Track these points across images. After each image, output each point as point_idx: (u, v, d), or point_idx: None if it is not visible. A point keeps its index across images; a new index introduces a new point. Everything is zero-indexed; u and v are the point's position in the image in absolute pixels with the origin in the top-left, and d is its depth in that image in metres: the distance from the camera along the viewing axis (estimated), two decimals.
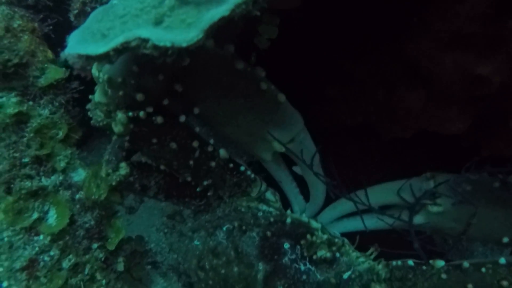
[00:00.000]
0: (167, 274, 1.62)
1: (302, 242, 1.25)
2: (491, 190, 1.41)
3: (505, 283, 1.29)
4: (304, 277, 1.24)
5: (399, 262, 1.46)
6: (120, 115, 1.14)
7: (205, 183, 1.37)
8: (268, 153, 1.45)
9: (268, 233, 1.29)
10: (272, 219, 1.31)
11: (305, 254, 1.24)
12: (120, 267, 1.37)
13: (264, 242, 1.29)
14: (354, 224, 1.62)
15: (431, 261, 1.41)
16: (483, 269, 1.31)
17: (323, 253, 1.22)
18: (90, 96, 1.27)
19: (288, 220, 1.31)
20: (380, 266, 1.30)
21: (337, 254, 1.26)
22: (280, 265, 1.26)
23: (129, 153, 1.30)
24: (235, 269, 1.32)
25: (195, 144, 1.28)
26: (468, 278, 1.32)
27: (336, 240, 1.27)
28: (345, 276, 1.25)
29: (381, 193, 1.51)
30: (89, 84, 1.29)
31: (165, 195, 1.39)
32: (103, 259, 1.33)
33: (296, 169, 1.61)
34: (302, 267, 1.25)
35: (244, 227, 1.32)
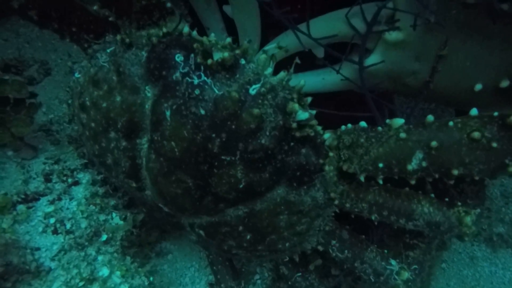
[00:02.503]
0: (61, 143, 1.31)
1: (196, 46, 0.91)
2: (463, 10, 1.07)
3: (476, 134, 0.97)
4: (197, 92, 0.90)
5: (349, 126, 1.15)
6: None
7: None
8: None
9: (157, 42, 0.95)
10: (165, 31, 0.98)
11: (199, 61, 0.91)
12: None
13: (151, 55, 0.96)
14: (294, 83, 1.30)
15: (388, 121, 1.09)
16: (451, 123, 1.00)
17: (219, 55, 0.88)
18: None
19: (185, 30, 0.98)
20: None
21: (242, 61, 0.92)
22: (170, 83, 0.93)
23: None
24: (118, 98, 0.99)
25: None
26: (431, 135, 1.01)
27: (243, 45, 0.93)
28: (253, 90, 0.91)
29: (327, 22, 1.17)
30: None
31: (39, 13, 1.05)
32: None
33: (227, 8, 1.28)
34: (196, 80, 0.91)
35: (128, 41, 0.99)
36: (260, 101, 0.91)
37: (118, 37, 1.01)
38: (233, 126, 0.91)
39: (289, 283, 1.37)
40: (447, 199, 1.19)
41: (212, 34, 1.02)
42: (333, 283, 1.53)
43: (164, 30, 1.01)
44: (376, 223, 1.20)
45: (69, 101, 1.23)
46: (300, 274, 1.36)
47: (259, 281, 1.59)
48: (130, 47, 1.00)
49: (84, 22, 1.12)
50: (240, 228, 1.09)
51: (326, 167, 1.04)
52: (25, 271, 1.14)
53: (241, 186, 0.98)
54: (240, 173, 0.96)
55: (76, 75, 1.08)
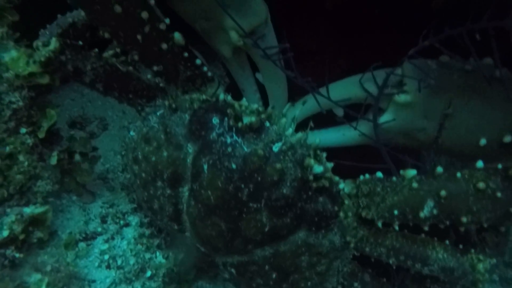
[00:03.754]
0: (115, 189, 1.52)
1: (229, 111, 1.10)
2: (463, 76, 1.22)
3: (481, 185, 1.09)
4: (230, 149, 1.08)
5: (367, 176, 1.29)
6: None
7: (156, 68, 1.23)
8: (227, 46, 1.33)
9: (197, 108, 1.16)
10: (205, 98, 1.19)
11: (231, 123, 1.09)
12: (53, 160, 1.28)
13: (192, 118, 1.16)
14: (318, 138, 1.46)
15: (401, 171, 1.22)
16: (458, 174, 1.12)
17: (248, 119, 1.06)
18: None
19: (221, 97, 1.18)
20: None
21: (267, 123, 1.10)
22: (207, 142, 1.12)
23: (65, 32, 1.24)
24: (165, 153, 1.19)
25: (144, 15, 1.10)
26: (441, 185, 1.13)
27: (268, 110, 1.12)
28: (275, 148, 1.08)
29: (343, 87, 1.34)
30: None
31: (104, 85, 1.29)
32: (30, 145, 1.24)
33: (259, 76, 1.49)
34: (229, 140, 1.09)
35: (174, 106, 1.20)
36: (281, 157, 1.08)
37: (166, 102, 1.23)
38: (259, 178, 1.08)
39: None
40: (461, 246, 1.28)
41: (244, 99, 1.22)
42: None
43: (204, 97, 1.22)
44: (394, 267, 1.30)
45: (123, 153, 1.44)
46: None
47: None
48: (175, 111, 1.21)
49: (138, 89, 1.36)
50: (267, 267, 1.24)
51: (341, 214, 1.18)
52: None
53: (266, 229, 1.14)
54: (265, 218, 1.12)
55: (131, 133, 1.30)
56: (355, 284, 1.35)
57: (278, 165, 1.07)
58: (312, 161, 1.07)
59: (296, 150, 1.10)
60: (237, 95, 1.40)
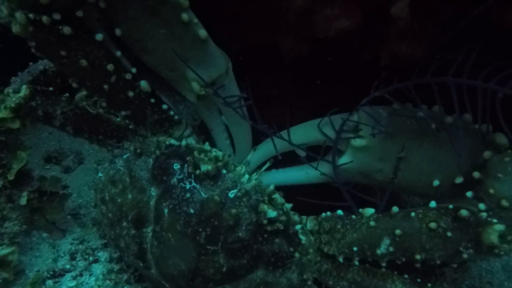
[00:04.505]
0: (86, 225, 1.57)
1: (188, 159, 1.17)
2: (414, 122, 1.29)
3: (433, 225, 1.17)
4: (188, 195, 1.14)
5: (328, 213, 1.36)
6: (18, 15, 1.09)
7: (123, 113, 1.29)
8: (191, 94, 1.40)
9: (160, 154, 1.22)
10: (168, 143, 1.25)
11: (190, 170, 1.16)
12: (23, 201, 1.34)
13: (155, 163, 1.22)
14: (284, 176, 1.53)
15: (361, 210, 1.29)
16: (413, 214, 1.20)
17: (205, 167, 1.13)
18: None
19: (184, 143, 1.24)
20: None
21: (223, 171, 1.16)
22: (168, 187, 1.18)
23: (36, 79, 1.30)
24: (129, 195, 1.24)
25: (110, 67, 1.18)
26: (396, 224, 1.20)
27: (226, 157, 1.18)
28: (231, 194, 1.14)
29: (304, 131, 1.41)
30: None
31: (74, 128, 1.35)
32: None
33: (223, 118, 1.55)
34: (188, 186, 1.15)
35: (139, 151, 1.26)
36: (237, 203, 1.15)
37: (132, 147, 1.29)
38: (216, 222, 1.15)
39: None
40: (419, 280, 1.34)
41: (206, 144, 1.28)
42: None
43: (168, 141, 1.28)
44: None
45: (95, 188, 1.49)
46: None
47: None
48: (140, 156, 1.27)
49: (108, 131, 1.41)
50: None
51: (297, 254, 1.24)
52: None
53: (224, 270, 1.19)
54: (222, 260, 1.18)
55: (100, 174, 1.35)
56: None
57: (234, 211, 1.14)
58: (265, 206, 1.13)
59: (251, 196, 1.16)
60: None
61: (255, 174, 1.22)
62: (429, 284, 1.33)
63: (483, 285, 1.73)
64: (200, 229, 1.14)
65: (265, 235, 1.18)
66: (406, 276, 1.34)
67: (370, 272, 1.31)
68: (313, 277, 1.33)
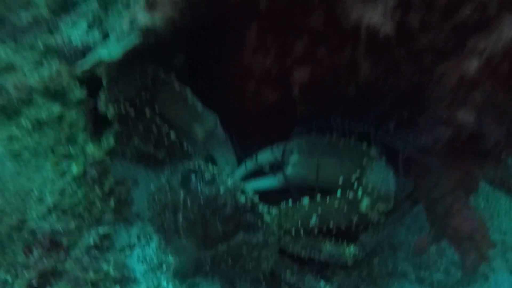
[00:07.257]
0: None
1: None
2: (322, 146, 2.26)
3: (337, 204, 2.05)
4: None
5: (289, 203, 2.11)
6: (110, 107, 2.05)
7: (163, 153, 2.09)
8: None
9: None
10: None
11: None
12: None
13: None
14: (261, 183, 2.25)
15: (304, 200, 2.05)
16: (328, 199, 2.04)
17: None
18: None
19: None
20: None
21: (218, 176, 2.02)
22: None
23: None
24: None
25: (154, 128, 1.99)
26: (318, 206, 2.06)
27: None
28: (222, 189, 2.17)
29: (265, 155, 2.25)
30: None
31: (136, 160, 2.39)
32: None
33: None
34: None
35: None
36: (226, 193, 2.11)
37: None
38: (214, 204, 2.04)
39: None
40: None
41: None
42: None
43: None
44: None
45: None
46: None
47: None
48: None
49: None
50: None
51: (263, 226, 2.02)
52: None
53: (220, 232, 2.18)
54: (219, 226, 2.11)
55: None
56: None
57: (224, 198, 1.97)
58: (241, 195, 1.97)
59: (233, 190, 1.94)
60: None
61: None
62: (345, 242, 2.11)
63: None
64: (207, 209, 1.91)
65: (242, 213, 1.97)
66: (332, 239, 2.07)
67: (310, 238, 2.06)
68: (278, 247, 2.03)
